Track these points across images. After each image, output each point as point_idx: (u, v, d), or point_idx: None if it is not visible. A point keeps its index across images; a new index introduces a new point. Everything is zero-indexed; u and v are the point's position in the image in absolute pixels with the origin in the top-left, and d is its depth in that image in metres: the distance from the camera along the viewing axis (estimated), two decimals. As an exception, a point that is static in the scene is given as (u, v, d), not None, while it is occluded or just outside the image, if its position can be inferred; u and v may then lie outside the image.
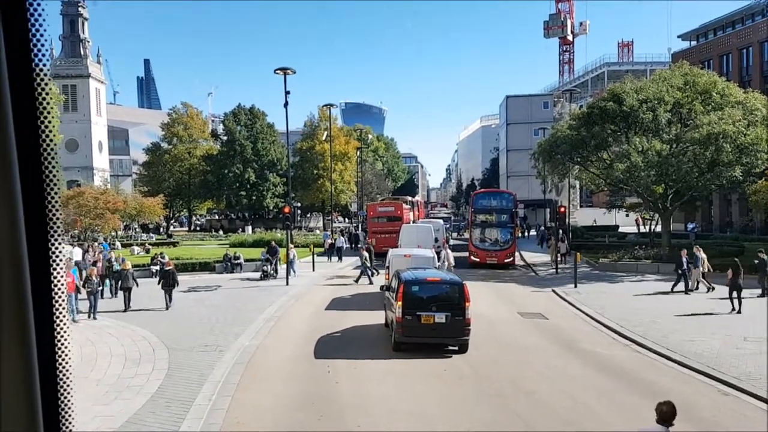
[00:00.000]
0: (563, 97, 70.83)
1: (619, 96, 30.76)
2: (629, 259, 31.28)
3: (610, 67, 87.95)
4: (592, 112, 32.50)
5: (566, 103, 65.04)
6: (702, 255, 23.93)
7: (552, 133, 35.84)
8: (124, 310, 19.84)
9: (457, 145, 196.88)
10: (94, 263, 23.88)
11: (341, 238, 40.75)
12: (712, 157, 28.08)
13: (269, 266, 28.52)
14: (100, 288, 19.96)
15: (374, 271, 28.10)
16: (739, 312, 18.83)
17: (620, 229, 53.79)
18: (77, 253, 27.25)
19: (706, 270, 23.64)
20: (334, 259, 36.61)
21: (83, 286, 19.07)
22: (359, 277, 27.20)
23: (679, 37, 60.75)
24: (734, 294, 19.20)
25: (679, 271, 23.20)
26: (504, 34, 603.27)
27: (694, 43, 56.92)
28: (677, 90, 29.98)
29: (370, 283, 26.17)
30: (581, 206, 72.85)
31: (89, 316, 18.63)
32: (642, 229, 47.61)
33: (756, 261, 21.91)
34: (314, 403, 10.80)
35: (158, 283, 21.24)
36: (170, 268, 21.62)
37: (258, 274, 28.52)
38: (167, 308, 20.10)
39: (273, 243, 31.15)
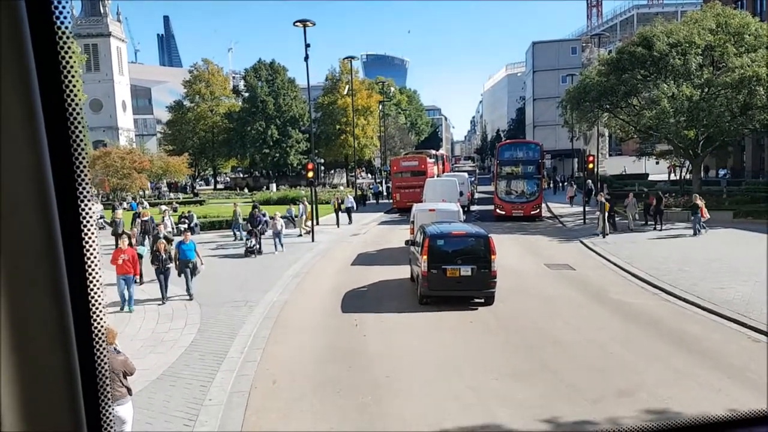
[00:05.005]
0: (591, 42, 68.86)
1: (649, 40, 29.85)
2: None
3: (640, 9, 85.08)
4: (621, 57, 31.57)
5: (595, 48, 63.22)
6: (605, 201, 26.07)
7: (580, 80, 34.93)
8: None
9: (481, 96, 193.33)
10: (144, 230, 20.63)
11: (348, 197, 36.38)
12: (745, 100, 27.30)
13: (253, 240, 22.72)
14: (170, 265, 15.47)
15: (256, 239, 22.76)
16: (661, 230, 25.88)
17: (650, 177, 52.91)
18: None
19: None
20: (343, 217, 32.62)
21: (151, 263, 15.84)
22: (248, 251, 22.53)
23: (712, -25, 58.11)
24: (658, 218, 26.46)
25: None
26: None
27: (728, -19, 54.39)
28: (709, 32, 28.93)
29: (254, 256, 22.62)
30: (610, 155, 71.60)
31: (162, 302, 15.06)
32: (673, 177, 46.76)
33: (599, 202, 25.75)
34: (343, 355, 10.99)
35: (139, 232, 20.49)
36: (146, 218, 22.04)
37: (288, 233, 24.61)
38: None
39: (256, 211, 24.83)
